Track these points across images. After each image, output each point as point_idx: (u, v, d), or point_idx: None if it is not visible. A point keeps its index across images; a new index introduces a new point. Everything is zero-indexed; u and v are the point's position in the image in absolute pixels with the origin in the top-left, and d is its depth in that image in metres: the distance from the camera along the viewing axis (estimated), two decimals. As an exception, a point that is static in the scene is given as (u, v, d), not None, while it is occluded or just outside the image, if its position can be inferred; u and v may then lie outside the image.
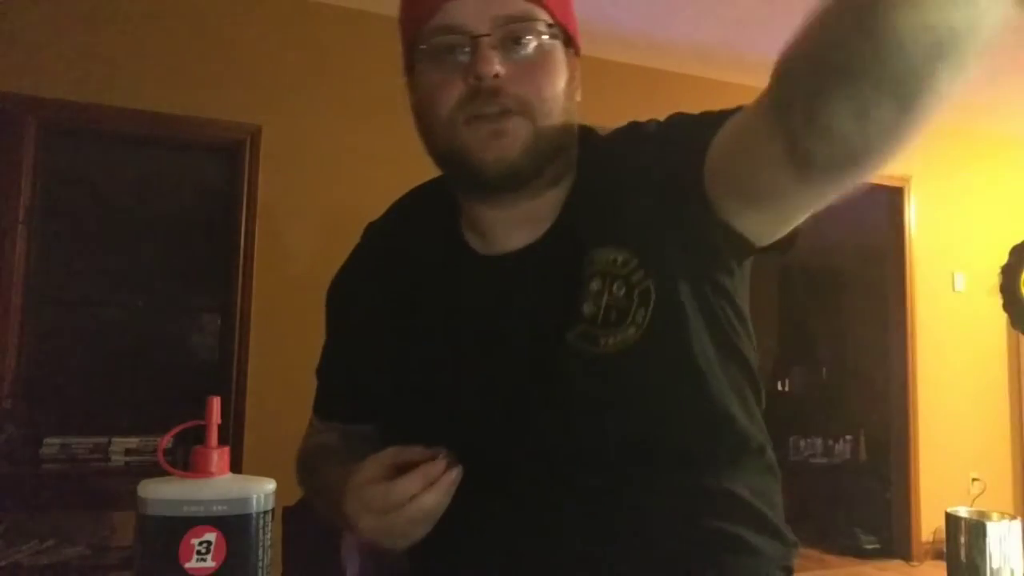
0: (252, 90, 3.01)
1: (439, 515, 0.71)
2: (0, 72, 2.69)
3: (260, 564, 0.62)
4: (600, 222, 0.79)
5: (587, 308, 0.75)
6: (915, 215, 4.35)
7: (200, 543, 0.60)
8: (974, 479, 4.34)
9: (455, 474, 0.71)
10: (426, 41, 0.76)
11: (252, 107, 3.00)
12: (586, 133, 0.85)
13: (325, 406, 0.97)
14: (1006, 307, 4.52)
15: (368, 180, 3.14)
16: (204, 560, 0.60)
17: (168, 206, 3.01)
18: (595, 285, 0.75)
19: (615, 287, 0.75)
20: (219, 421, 0.64)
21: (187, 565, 0.59)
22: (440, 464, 0.70)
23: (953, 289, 4.45)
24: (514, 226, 0.81)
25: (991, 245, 4.53)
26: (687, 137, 0.75)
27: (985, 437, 4.46)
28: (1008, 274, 4.52)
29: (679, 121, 0.80)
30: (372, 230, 0.96)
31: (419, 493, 0.69)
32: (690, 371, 0.76)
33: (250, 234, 2.96)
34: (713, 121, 0.73)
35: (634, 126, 0.85)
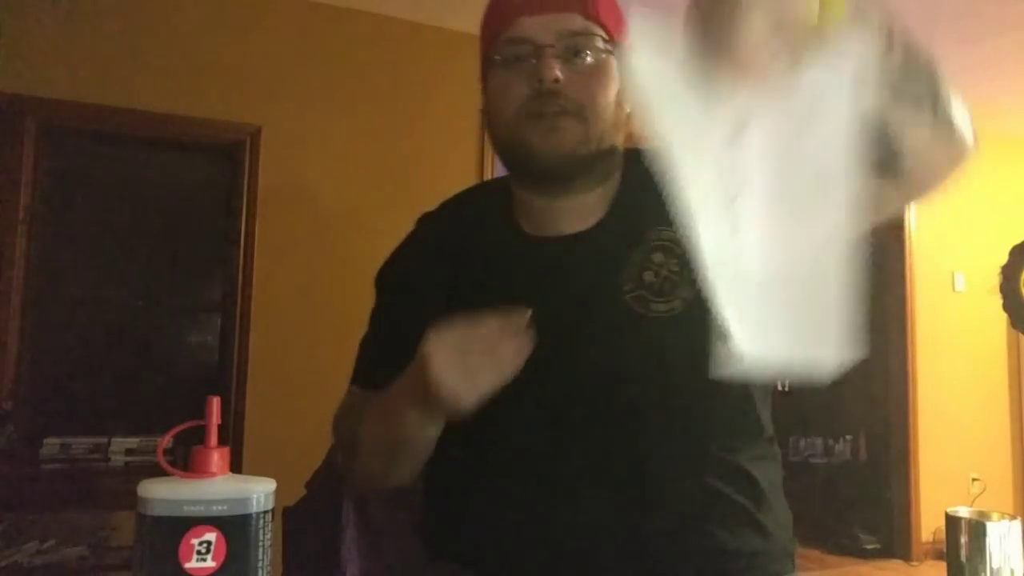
0: (252, 90, 3.01)
1: (513, 370, 0.74)
2: (0, 72, 2.69)
3: (260, 564, 0.62)
4: (660, 206, 0.85)
5: (647, 276, 0.86)
6: (915, 215, 4.35)
7: (200, 543, 0.60)
8: (974, 479, 4.34)
9: (528, 339, 0.74)
10: (499, 51, 0.88)
11: (252, 107, 3.00)
12: (636, 150, 0.94)
13: (370, 376, 0.99)
14: (1006, 307, 4.52)
15: (368, 180, 3.15)
16: (204, 560, 0.60)
17: (168, 206, 3.01)
18: (658, 257, 0.86)
19: (673, 263, 0.86)
20: (219, 421, 0.64)
21: (187, 565, 0.59)
22: (519, 318, 0.74)
23: (953, 289, 4.45)
24: (565, 216, 0.91)
25: (991, 245, 4.53)
26: None
27: (985, 437, 4.46)
28: (1008, 274, 4.51)
29: None
30: (425, 219, 1.04)
31: (499, 340, 0.74)
32: None
33: (250, 234, 2.96)
34: None
35: None
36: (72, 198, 2.87)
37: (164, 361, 2.97)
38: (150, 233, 2.96)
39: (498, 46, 0.88)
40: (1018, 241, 4.52)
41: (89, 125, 2.84)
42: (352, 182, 3.11)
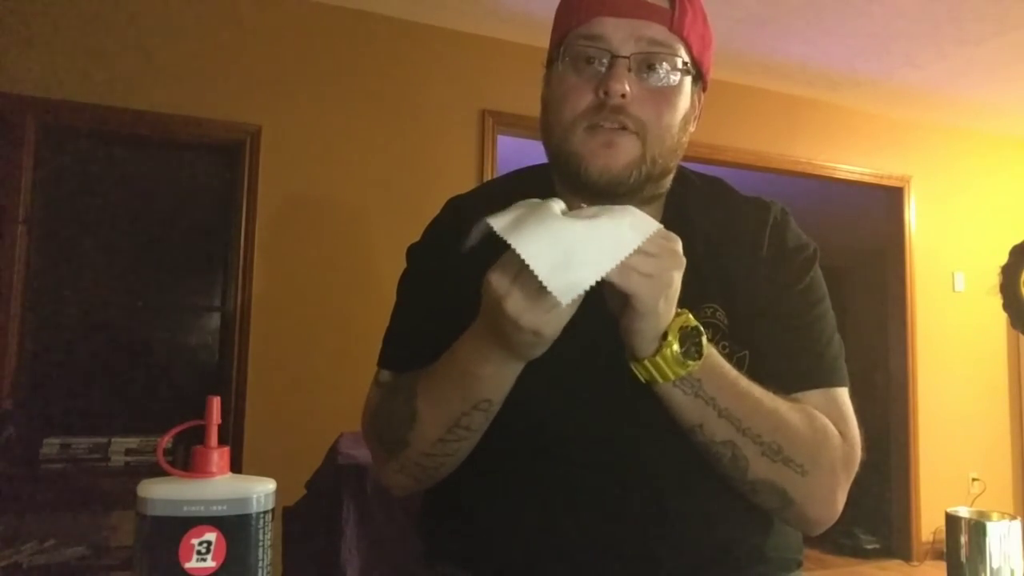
0: (252, 90, 3.01)
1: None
2: (0, 72, 2.69)
3: (260, 564, 0.62)
4: (707, 276, 0.85)
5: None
6: (915, 215, 4.35)
7: (200, 543, 0.60)
8: (974, 479, 4.35)
9: None
10: (572, 45, 0.83)
11: (252, 107, 3.00)
12: (681, 169, 0.93)
13: (402, 359, 0.94)
14: (1006, 307, 4.52)
15: (368, 180, 3.15)
16: (204, 560, 0.60)
17: (168, 206, 3.00)
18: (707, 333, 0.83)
19: (719, 344, 0.82)
20: (219, 421, 0.64)
21: (187, 565, 0.59)
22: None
23: (953, 289, 4.45)
24: None
25: (991, 245, 4.53)
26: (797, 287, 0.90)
27: (985, 437, 4.46)
28: (1008, 274, 4.52)
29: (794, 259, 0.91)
30: (457, 203, 0.99)
31: None
32: None
33: (250, 234, 2.96)
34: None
35: (724, 187, 0.95)
36: (72, 198, 2.87)
37: (164, 361, 2.97)
38: (150, 233, 2.96)
39: (569, 40, 0.83)
40: (1018, 241, 4.52)
41: (89, 125, 2.84)
42: (352, 182, 3.11)
